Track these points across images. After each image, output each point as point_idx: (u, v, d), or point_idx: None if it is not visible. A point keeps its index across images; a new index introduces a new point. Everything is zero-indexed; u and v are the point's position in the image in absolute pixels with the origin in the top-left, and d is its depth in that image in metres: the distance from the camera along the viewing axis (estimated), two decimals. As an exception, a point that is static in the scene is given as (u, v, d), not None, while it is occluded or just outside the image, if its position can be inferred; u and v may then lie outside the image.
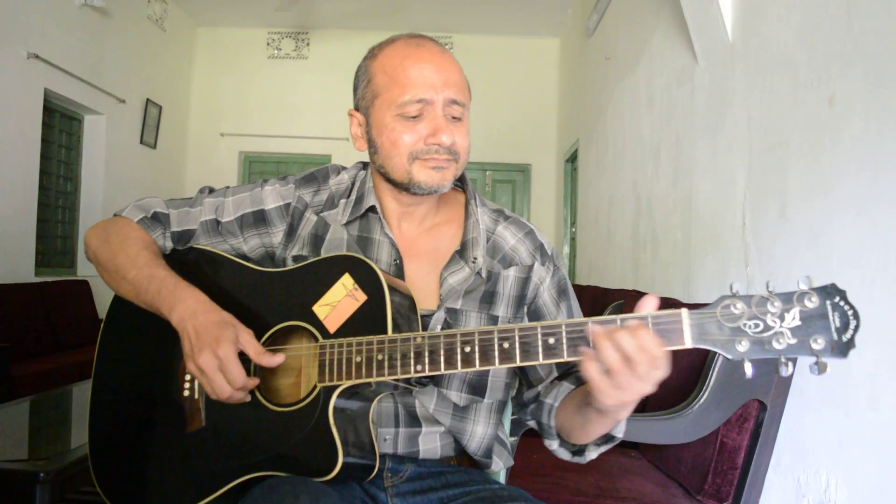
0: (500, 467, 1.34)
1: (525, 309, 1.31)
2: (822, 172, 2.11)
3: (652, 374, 0.94)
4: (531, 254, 1.32)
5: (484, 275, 1.27)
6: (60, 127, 6.22)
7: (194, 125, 8.49)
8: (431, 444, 1.28)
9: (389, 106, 1.19)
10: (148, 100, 7.31)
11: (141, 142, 7.27)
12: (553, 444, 1.27)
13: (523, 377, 1.34)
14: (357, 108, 1.28)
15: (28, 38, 5.33)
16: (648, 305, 0.95)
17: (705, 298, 3.07)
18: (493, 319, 1.28)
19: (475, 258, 1.27)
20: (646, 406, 2.83)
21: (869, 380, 1.83)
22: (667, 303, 3.04)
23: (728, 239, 2.85)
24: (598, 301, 4.49)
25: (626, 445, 2.61)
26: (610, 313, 3.83)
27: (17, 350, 4.62)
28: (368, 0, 7.47)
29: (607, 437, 1.22)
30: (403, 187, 1.23)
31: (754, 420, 2.02)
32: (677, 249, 3.58)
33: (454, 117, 1.21)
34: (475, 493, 1.22)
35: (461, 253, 1.28)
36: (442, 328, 1.24)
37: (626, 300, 3.77)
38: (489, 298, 1.28)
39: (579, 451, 1.25)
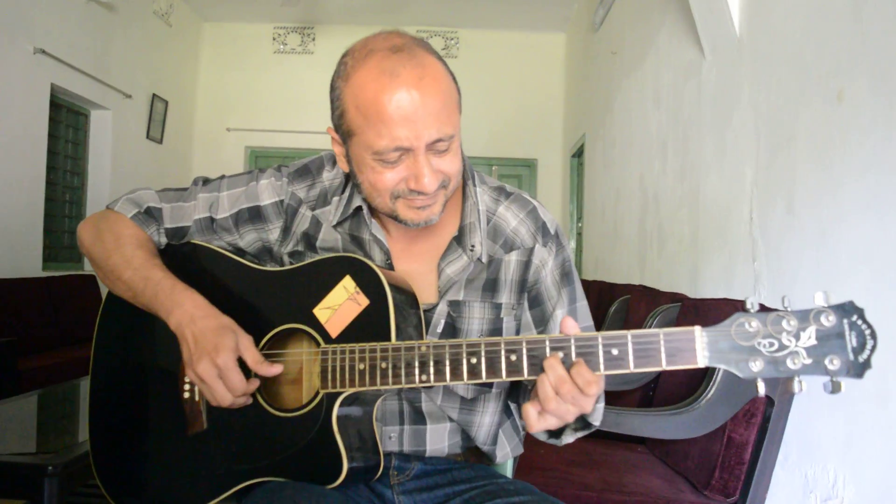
0: (508, 455, 1.33)
1: (526, 295, 1.27)
2: (829, 168, 2.10)
3: (582, 399, 0.96)
4: (533, 235, 1.25)
5: (485, 260, 1.23)
6: (67, 122, 6.23)
7: (200, 120, 8.50)
8: (439, 442, 1.27)
9: (366, 149, 1.07)
10: (154, 95, 7.32)
11: (147, 137, 7.28)
12: None
13: None
14: (336, 131, 1.15)
15: (34, 34, 5.33)
16: (571, 328, 0.98)
17: (712, 294, 3.06)
18: (497, 308, 1.24)
19: (473, 246, 1.22)
20: (653, 401, 2.83)
21: (877, 376, 1.80)
22: (673, 298, 3.04)
23: (735, 234, 2.85)
24: (604, 296, 4.49)
25: (632, 440, 2.61)
26: (616, 309, 3.83)
27: (25, 344, 4.63)
28: (374, -5, 7.46)
29: (585, 423, 1.19)
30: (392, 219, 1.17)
31: (762, 415, 2.02)
32: (684, 244, 3.57)
33: (440, 150, 1.09)
34: (482, 488, 1.21)
35: (459, 239, 1.23)
36: (445, 322, 1.22)
37: (632, 295, 3.76)
38: (491, 286, 1.24)
39: (556, 434, 1.22)
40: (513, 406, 1.35)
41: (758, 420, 2.02)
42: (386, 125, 1.04)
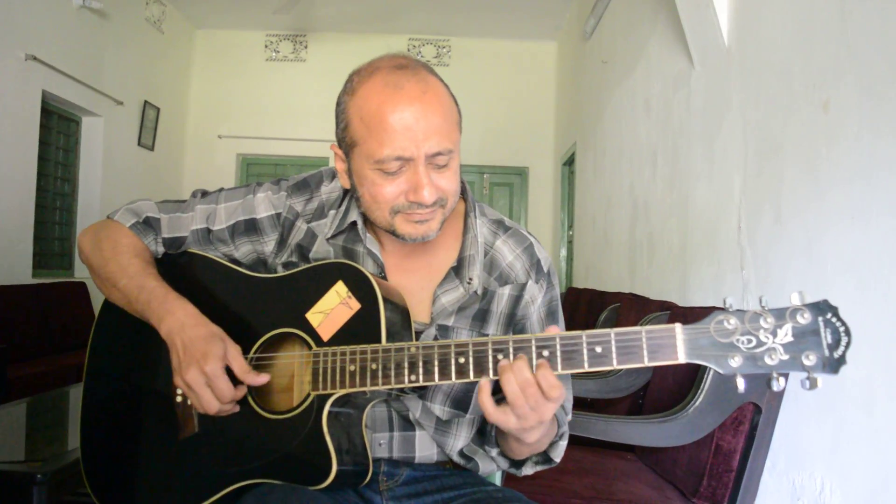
0: (493, 469, 1.34)
1: (511, 329, 1.29)
2: (816, 177, 2.12)
3: (544, 404, 0.99)
4: (527, 271, 1.28)
5: (479, 292, 1.25)
6: (58, 129, 6.22)
7: (192, 127, 8.49)
8: (428, 449, 1.29)
9: (367, 159, 1.11)
10: (146, 102, 7.31)
11: (139, 144, 7.27)
12: (492, 452, 1.27)
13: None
14: (339, 146, 1.20)
15: (26, 40, 5.33)
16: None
17: (701, 302, 3.08)
18: (483, 337, 1.25)
19: (470, 279, 1.24)
20: (642, 409, 2.84)
21: (863, 384, 1.84)
22: (663, 306, 3.05)
23: (723, 243, 2.86)
24: (594, 304, 4.51)
25: (621, 448, 2.62)
26: (606, 317, 3.84)
27: (14, 352, 4.61)
28: (366, 3, 7.47)
29: (546, 458, 1.25)
30: (389, 233, 1.19)
31: (749, 423, 2.03)
32: (673, 253, 3.59)
33: (439, 165, 1.12)
34: (470, 495, 1.22)
35: (457, 270, 1.25)
36: None
37: (622, 303, 3.78)
38: (482, 316, 1.26)
39: (517, 464, 1.27)
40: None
41: (745, 428, 2.03)
42: (388, 134, 1.07)
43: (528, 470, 1.26)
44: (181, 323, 1.14)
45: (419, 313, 1.24)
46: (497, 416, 1.01)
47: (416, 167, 1.10)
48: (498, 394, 1.02)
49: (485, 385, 1.01)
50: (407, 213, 1.13)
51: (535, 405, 0.98)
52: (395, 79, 1.09)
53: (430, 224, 1.15)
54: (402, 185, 1.11)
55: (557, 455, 1.25)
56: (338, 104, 1.17)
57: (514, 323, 1.29)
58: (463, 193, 1.31)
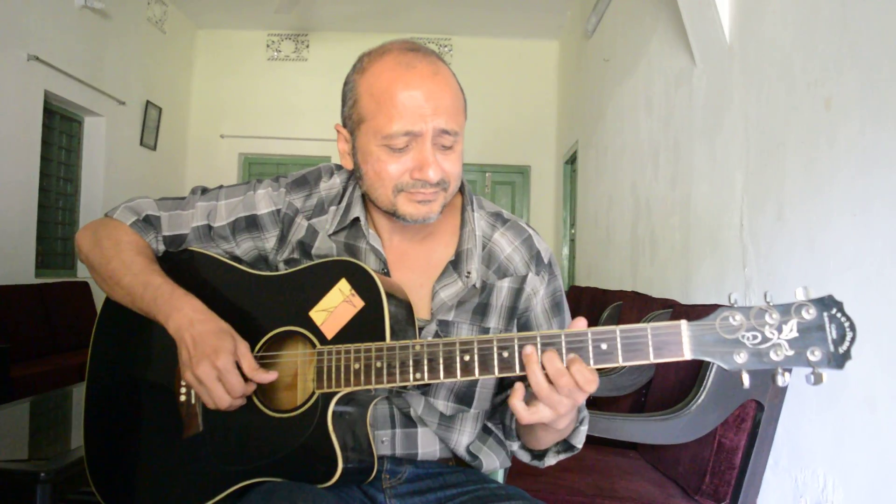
0: (496, 467, 1.34)
1: (515, 322, 1.29)
2: (818, 174, 2.12)
3: (577, 392, 0.98)
4: (526, 263, 1.28)
5: (478, 286, 1.25)
6: (60, 129, 6.23)
7: (194, 127, 8.50)
8: (430, 446, 1.29)
9: (375, 134, 1.12)
10: (148, 101, 7.32)
11: (141, 143, 7.28)
12: (514, 446, 1.27)
13: (500, 379, 1.31)
14: (344, 125, 1.21)
15: (28, 40, 5.34)
16: (580, 326, 1.00)
17: (703, 300, 3.08)
18: (485, 332, 1.25)
19: (469, 272, 1.24)
20: (644, 406, 2.84)
21: (866, 381, 1.83)
22: (665, 304, 3.05)
23: (726, 241, 2.86)
24: (597, 302, 4.50)
25: (624, 446, 2.62)
26: (608, 315, 3.84)
27: (17, 351, 4.62)
28: (368, 2, 7.48)
29: (568, 446, 1.23)
30: (390, 215, 1.20)
31: (752, 420, 2.03)
32: (675, 251, 3.59)
33: (445, 146, 1.14)
34: (473, 493, 1.22)
35: (455, 264, 1.25)
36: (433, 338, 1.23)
37: (624, 301, 3.78)
38: (482, 310, 1.26)
39: (539, 455, 1.26)
40: (492, 425, 1.36)
41: (748, 425, 2.03)
42: (398, 109, 1.09)
43: (550, 460, 1.24)
44: (190, 319, 1.14)
45: (420, 310, 1.24)
46: (530, 416, 1.00)
47: (422, 144, 1.11)
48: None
49: (518, 389, 1.01)
50: (410, 191, 1.14)
51: (568, 393, 0.98)
52: (408, 59, 1.12)
53: (431, 206, 1.16)
54: (408, 163, 1.13)
55: (579, 441, 1.23)
56: (346, 83, 1.19)
57: (517, 316, 1.28)
58: (460, 189, 1.31)
